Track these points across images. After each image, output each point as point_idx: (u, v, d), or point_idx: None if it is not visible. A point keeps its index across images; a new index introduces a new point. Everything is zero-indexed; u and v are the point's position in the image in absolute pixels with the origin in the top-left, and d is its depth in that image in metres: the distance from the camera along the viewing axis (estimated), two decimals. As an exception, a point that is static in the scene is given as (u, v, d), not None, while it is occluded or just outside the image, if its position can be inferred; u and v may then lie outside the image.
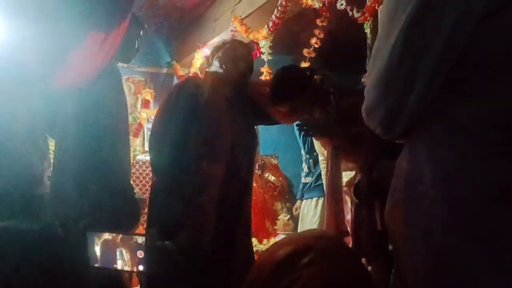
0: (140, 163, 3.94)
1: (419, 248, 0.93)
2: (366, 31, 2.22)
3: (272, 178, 4.25)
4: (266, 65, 3.27)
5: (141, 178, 3.98)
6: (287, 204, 4.22)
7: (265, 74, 3.29)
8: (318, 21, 3.01)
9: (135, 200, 1.93)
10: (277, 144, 4.60)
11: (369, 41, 2.17)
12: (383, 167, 1.68)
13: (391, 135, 1.01)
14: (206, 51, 3.46)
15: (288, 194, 4.35)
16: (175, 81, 4.30)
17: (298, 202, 3.64)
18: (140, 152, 3.97)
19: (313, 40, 3.15)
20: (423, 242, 0.92)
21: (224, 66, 2.16)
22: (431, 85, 0.91)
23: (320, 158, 2.61)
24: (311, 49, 3.19)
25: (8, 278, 0.66)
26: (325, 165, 2.56)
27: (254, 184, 4.12)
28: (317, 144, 2.60)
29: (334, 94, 2.10)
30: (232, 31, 3.25)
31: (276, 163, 4.39)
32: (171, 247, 0.84)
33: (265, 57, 3.24)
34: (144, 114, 3.87)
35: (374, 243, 1.72)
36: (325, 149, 2.54)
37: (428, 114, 0.95)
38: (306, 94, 2.10)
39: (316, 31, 3.12)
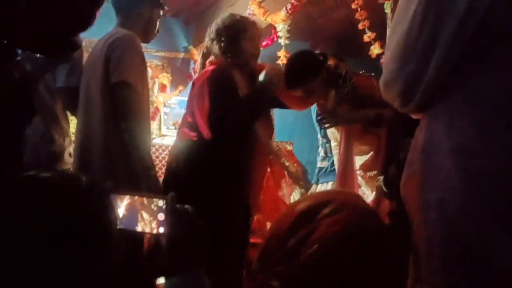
0: (157, 146, 3.98)
1: (433, 219, 0.94)
2: (386, 11, 2.20)
3: (287, 164, 4.25)
4: (283, 49, 3.27)
5: (157, 162, 4.02)
6: (301, 190, 4.23)
7: (282, 58, 3.29)
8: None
9: (157, 178, 1.97)
10: (292, 130, 4.60)
11: (389, 21, 2.16)
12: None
13: (409, 107, 1.01)
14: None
15: (303, 180, 4.35)
16: (192, 65, 4.32)
17: (314, 186, 3.64)
18: (157, 135, 4.01)
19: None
20: (438, 213, 0.93)
21: (245, 54, 2.15)
22: (451, 54, 0.91)
23: (333, 143, 2.60)
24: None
25: (30, 228, 0.68)
26: (337, 150, 2.57)
27: (269, 170, 4.14)
28: (329, 130, 2.59)
29: (348, 78, 2.09)
30: (250, 14, 3.25)
31: (291, 149, 4.39)
32: (191, 211, 0.86)
33: (282, 41, 3.23)
34: (161, 98, 3.91)
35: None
36: (338, 132, 2.54)
37: (447, 85, 0.95)
38: (320, 78, 2.11)
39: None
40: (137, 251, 1.87)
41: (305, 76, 2.11)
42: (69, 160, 2.07)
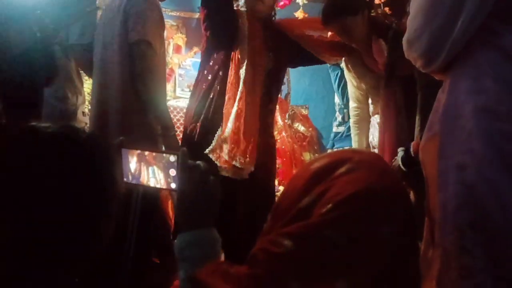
0: (171, 109, 3.96)
1: (450, 182, 0.92)
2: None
3: (301, 128, 4.22)
4: (301, 9, 3.18)
5: (172, 124, 4.01)
6: (316, 154, 4.22)
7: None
8: None
9: (177, 138, 1.96)
10: (308, 94, 4.54)
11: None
12: None
13: (432, 67, 0.97)
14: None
15: (317, 145, 4.33)
16: (207, 26, 4.24)
17: (329, 151, 3.63)
18: (171, 97, 3.98)
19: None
20: (456, 177, 0.91)
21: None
22: (481, 10, 0.86)
23: (353, 104, 2.52)
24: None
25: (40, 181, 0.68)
26: (357, 112, 2.51)
27: (284, 134, 4.12)
28: (353, 90, 2.49)
29: (395, 30, 1.97)
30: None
31: (306, 113, 4.35)
32: (203, 166, 0.84)
33: (300, 0, 3.14)
34: (175, 60, 3.86)
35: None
36: (364, 95, 2.43)
37: (473, 45, 0.90)
38: (361, 19, 2.01)
39: None
40: (152, 208, 1.88)
41: (342, 10, 2.01)
42: (82, 118, 2.08)
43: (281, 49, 2.20)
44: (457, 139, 0.91)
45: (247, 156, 1.97)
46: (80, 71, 2.16)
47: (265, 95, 2.14)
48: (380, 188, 0.68)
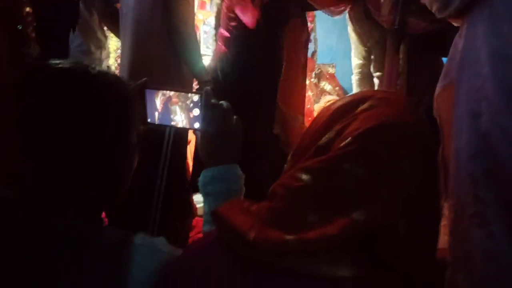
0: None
1: (464, 130, 0.90)
2: None
3: (328, 87, 4.16)
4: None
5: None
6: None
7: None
8: None
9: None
10: (335, 53, 4.43)
11: None
12: None
13: (448, 11, 0.94)
14: None
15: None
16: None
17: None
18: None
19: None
20: (470, 124, 0.89)
21: None
22: None
23: (357, 61, 2.45)
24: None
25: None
26: (361, 70, 2.44)
27: (310, 93, 4.08)
28: (356, 45, 2.42)
29: None
30: None
31: (333, 72, 4.27)
32: (226, 105, 0.86)
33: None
34: (200, 16, 3.81)
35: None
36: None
37: None
38: None
39: None
40: (180, 148, 1.91)
41: None
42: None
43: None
44: (473, 86, 0.89)
45: None
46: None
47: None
48: (401, 123, 0.67)
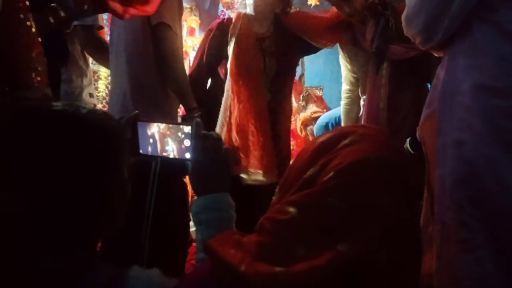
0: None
1: (449, 158, 0.93)
2: None
3: (316, 110, 4.21)
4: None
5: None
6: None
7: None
8: None
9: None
10: (322, 75, 4.52)
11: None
12: None
13: (430, 44, 0.98)
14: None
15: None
16: (221, 8, 4.24)
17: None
18: (186, 80, 4.01)
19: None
20: (454, 153, 0.92)
21: (253, 3, 2.11)
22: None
23: (345, 87, 2.51)
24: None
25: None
26: (349, 95, 2.50)
27: (298, 116, 4.12)
28: (346, 72, 2.48)
29: (390, 8, 1.94)
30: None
31: (320, 94, 4.33)
32: (215, 136, 0.89)
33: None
34: (189, 42, 3.88)
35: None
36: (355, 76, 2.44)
37: (471, 21, 0.90)
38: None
39: None
40: (170, 178, 1.91)
41: None
42: (89, 100, 2.09)
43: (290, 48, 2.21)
44: (455, 115, 0.92)
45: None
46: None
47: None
48: (381, 158, 0.70)
